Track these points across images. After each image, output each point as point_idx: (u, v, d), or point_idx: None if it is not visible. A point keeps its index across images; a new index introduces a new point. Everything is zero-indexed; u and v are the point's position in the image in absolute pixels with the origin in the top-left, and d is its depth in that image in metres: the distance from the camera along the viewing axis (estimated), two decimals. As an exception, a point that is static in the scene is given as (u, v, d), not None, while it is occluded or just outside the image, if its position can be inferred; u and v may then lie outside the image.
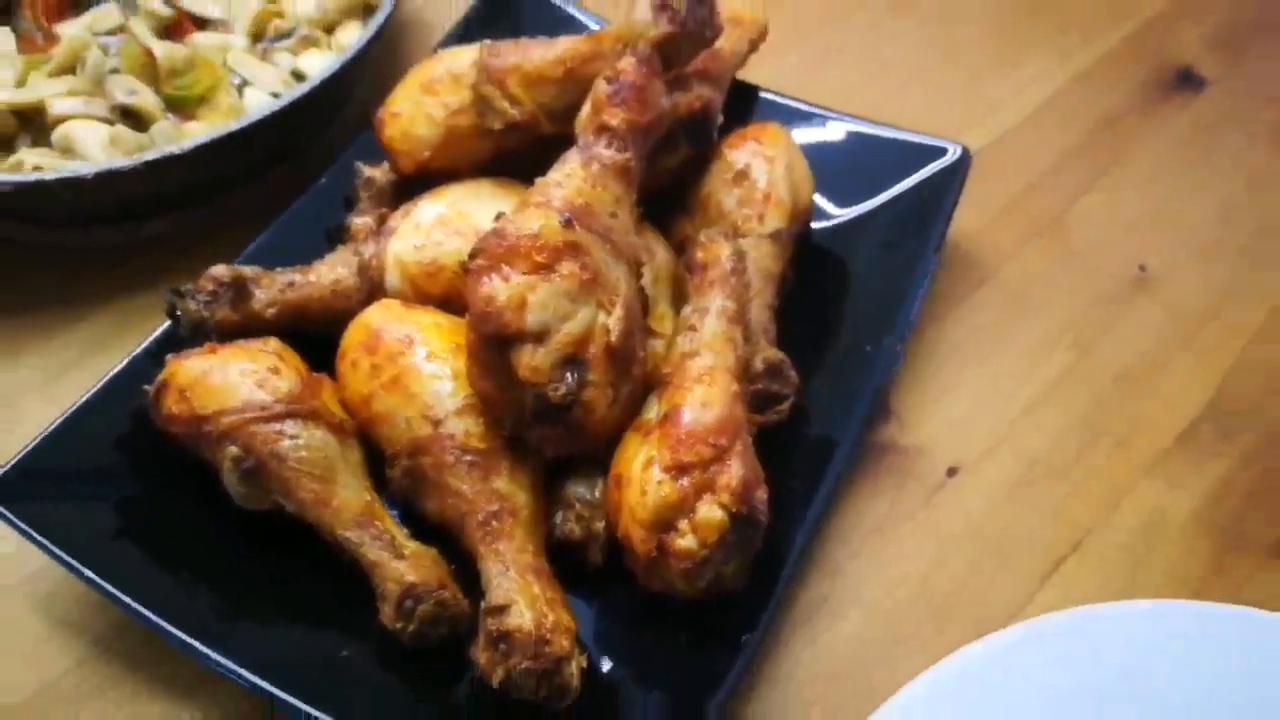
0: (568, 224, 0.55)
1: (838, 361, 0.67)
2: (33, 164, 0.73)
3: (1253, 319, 0.76)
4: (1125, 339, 0.75)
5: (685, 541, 0.52)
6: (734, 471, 0.53)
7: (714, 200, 0.69)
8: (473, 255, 0.55)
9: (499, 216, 0.57)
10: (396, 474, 0.58)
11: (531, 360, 0.54)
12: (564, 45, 0.65)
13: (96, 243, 0.77)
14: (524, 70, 0.65)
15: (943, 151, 0.75)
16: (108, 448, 0.61)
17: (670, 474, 0.53)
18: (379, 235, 0.66)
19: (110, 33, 0.82)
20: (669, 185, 0.70)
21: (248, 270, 0.64)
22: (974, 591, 0.62)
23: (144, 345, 0.64)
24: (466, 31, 0.82)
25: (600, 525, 0.57)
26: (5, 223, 0.75)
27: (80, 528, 0.57)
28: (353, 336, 0.61)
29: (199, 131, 0.76)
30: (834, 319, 0.70)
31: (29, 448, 0.59)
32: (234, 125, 0.71)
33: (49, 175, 0.69)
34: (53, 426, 0.60)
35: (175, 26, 0.84)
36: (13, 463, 0.58)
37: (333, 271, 0.65)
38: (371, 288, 0.65)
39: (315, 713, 0.51)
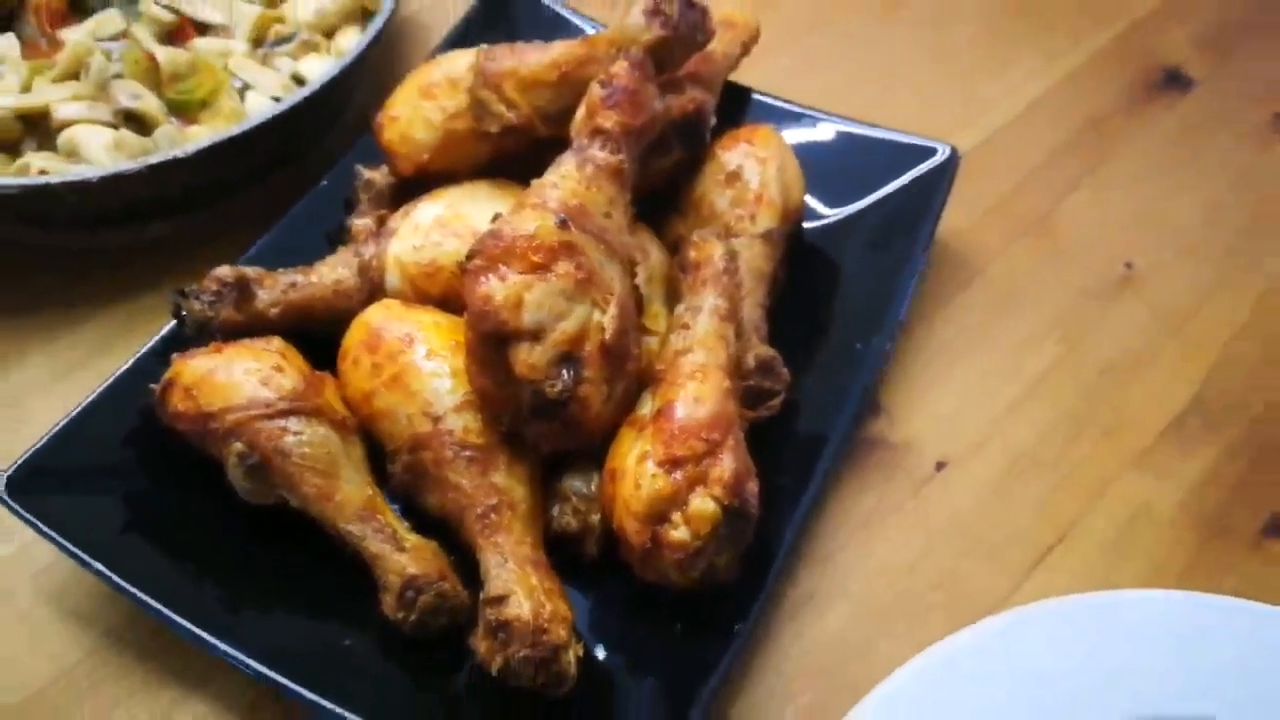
0: (563, 225, 0.56)
1: (828, 359, 0.68)
2: (38, 168, 0.74)
3: (1238, 314, 0.77)
4: (1111, 335, 0.75)
5: (678, 533, 0.53)
6: (726, 465, 0.54)
7: (707, 201, 0.69)
8: (470, 256, 0.56)
9: (496, 218, 0.57)
10: (397, 469, 0.59)
11: (528, 358, 0.54)
12: (559, 50, 0.66)
13: (101, 245, 0.77)
14: (520, 74, 0.66)
15: (932, 152, 0.76)
16: (115, 445, 0.62)
17: (664, 468, 0.54)
18: (379, 237, 0.66)
19: (113, 38, 0.82)
20: (662, 186, 0.70)
21: (251, 271, 0.65)
22: (961, 583, 0.63)
23: (150, 344, 0.64)
24: (463, 36, 0.82)
25: (596, 518, 0.58)
26: (11, 225, 0.76)
27: (90, 522, 0.58)
28: (354, 335, 0.62)
29: (201, 135, 0.76)
30: (824, 317, 0.71)
31: (39, 444, 0.59)
32: (236, 129, 0.72)
33: (54, 179, 0.69)
34: (62, 424, 0.60)
35: (177, 32, 0.84)
36: (24, 459, 0.59)
37: (334, 272, 0.66)
38: (372, 288, 0.65)
39: (335, 708, 0.52)
